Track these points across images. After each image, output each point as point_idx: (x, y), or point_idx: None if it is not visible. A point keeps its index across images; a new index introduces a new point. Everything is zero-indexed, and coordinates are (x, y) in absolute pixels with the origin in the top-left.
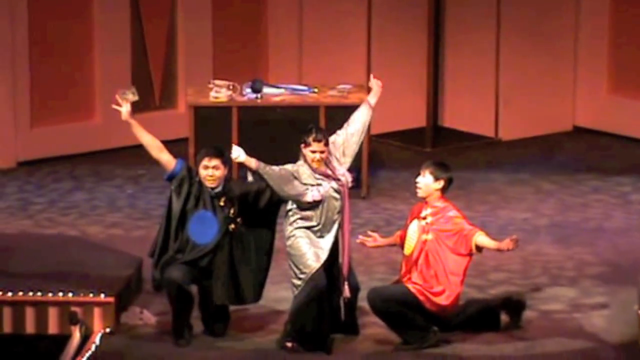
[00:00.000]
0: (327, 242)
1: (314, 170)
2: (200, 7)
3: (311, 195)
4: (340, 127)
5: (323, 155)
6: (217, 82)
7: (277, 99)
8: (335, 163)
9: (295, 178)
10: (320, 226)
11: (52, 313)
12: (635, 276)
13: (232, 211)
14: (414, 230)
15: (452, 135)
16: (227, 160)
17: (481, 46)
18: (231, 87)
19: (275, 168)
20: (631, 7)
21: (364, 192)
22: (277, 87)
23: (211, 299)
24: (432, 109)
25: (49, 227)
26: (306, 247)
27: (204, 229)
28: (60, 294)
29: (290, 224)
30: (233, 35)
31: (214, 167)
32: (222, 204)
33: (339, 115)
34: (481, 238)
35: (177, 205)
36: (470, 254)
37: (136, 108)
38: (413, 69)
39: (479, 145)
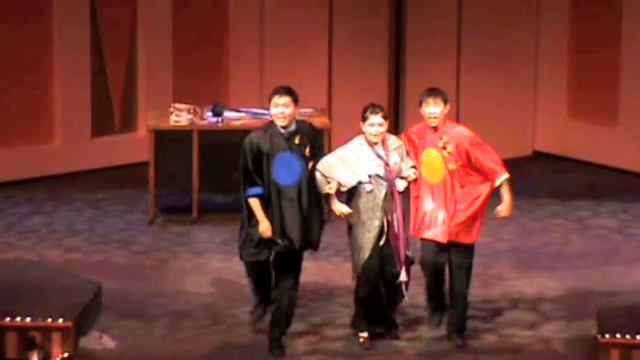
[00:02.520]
0: (375, 227)
1: (372, 147)
2: (161, 31)
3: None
4: None
5: (382, 130)
6: (178, 106)
7: (238, 123)
8: (392, 152)
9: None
10: (369, 212)
11: (11, 338)
12: (594, 301)
13: (307, 150)
14: (437, 158)
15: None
16: (296, 99)
17: (442, 72)
18: (192, 111)
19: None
20: (590, 33)
21: (326, 215)
22: (239, 111)
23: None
24: (395, 133)
25: (7, 252)
26: (360, 235)
27: (289, 170)
28: (19, 318)
29: (353, 203)
30: (194, 59)
31: (284, 105)
32: (297, 142)
33: None
34: (504, 188)
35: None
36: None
37: (96, 132)
38: (374, 94)
39: None
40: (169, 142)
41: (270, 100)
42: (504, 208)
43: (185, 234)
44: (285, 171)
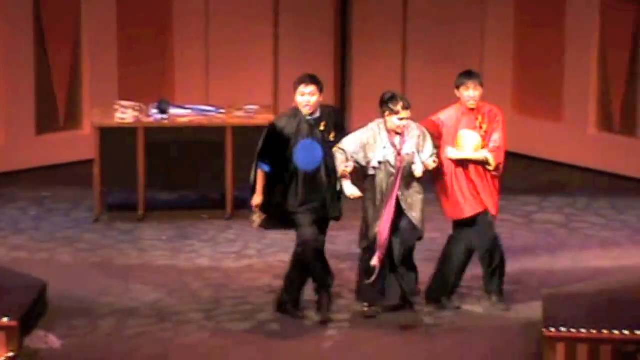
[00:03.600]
0: (376, 212)
1: (391, 135)
2: (105, 28)
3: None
4: (247, 147)
5: (407, 122)
6: (123, 103)
7: (184, 119)
8: (407, 140)
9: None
10: (378, 195)
11: None
12: (539, 295)
13: (332, 135)
14: (475, 139)
15: None
16: (322, 87)
17: (388, 69)
18: (137, 108)
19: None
20: (534, 31)
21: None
22: (184, 108)
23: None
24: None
25: None
26: (370, 216)
27: (309, 156)
28: None
29: (366, 182)
30: (139, 56)
31: (310, 93)
32: (322, 128)
33: (246, 135)
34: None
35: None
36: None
37: (40, 129)
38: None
39: None
40: (114, 139)
41: (295, 89)
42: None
43: (130, 232)
44: (306, 157)
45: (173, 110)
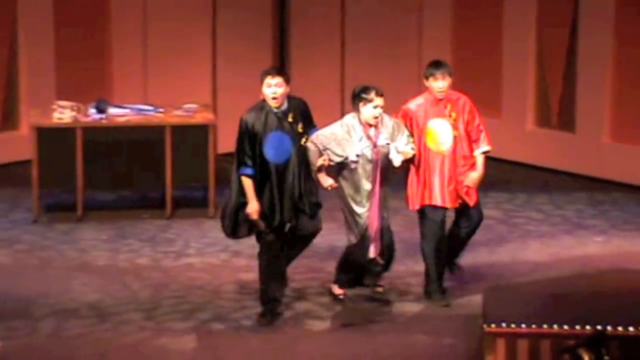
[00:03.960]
0: (364, 199)
1: (365, 127)
2: (42, 28)
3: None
4: (187, 146)
5: (381, 111)
6: (61, 102)
7: (123, 119)
8: (382, 132)
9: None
10: (359, 187)
11: None
12: (479, 291)
13: (300, 126)
14: (445, 128)
15: None
16: (288, 79)
17: (326, 65)
18: (75, 108)
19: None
20: (472, 29)
21: (212, 211)
22: (122, 108)
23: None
24: None
25: None
26: (352, 203)
27: (279, 148)
28: None
29: (342, 177)
30: (77, 56)
31: (276, 85)
32: (290, 120)
33: (185, 134)
34: (480, 158)
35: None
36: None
37: None
38: (259, 89)
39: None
40: (52, 139)
41: (262, 81)
42: (475, 175)
43: (69, 232)
44: (276, 149)
45: (111, 110)
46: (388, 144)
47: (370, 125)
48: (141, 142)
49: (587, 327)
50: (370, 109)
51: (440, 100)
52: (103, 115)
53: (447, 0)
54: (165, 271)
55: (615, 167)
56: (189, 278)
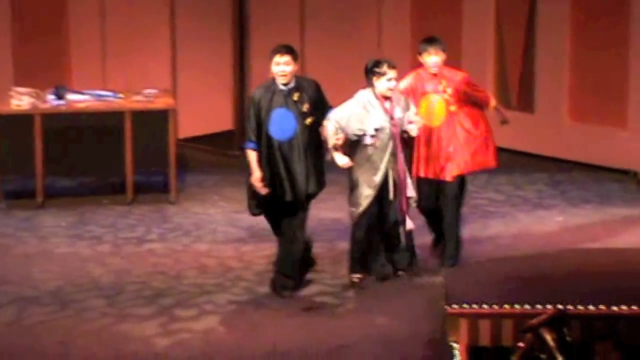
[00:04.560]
0: (378, 177)
1: (381, 101)
2: (0, 14)
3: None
4: (147, 132)
5: (396, 83)
6: (19, 89)
7: (82, 105)
8: (396, 105)
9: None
10: (377, 161)
11: None
12: (440, 272)
13: (305, 106)
14: (438, 103)
15: None
16: (296, 57)
17: None
18: (34, 94)
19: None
20: (431, 13)
21: (173, 196)
22: (82, 94)
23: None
24: (239, 112)
25: None
26: (362, 183)
27: (282, 126)
28: None
29: (357, 155)
30: (34, 42)
31: (284, 63)
32: (295, 99)
33: (145, 119)
34: (497, 107)
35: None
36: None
37: None
38: (219, 73)
39: None
40: (11, 126)
41: (271, 59)
42: (506, 118)
43: (29, 219)
44: (279, 126)
45: (70, 96)
46: (402, 116)
47: (386, 99)
48: (101, 128)
49: (549, 306)
50: (384, 82)
51: (435, 75)
52: (62, 102)
53: None
54: (127, 257)
55: (574, 147)
56: (150, 264)
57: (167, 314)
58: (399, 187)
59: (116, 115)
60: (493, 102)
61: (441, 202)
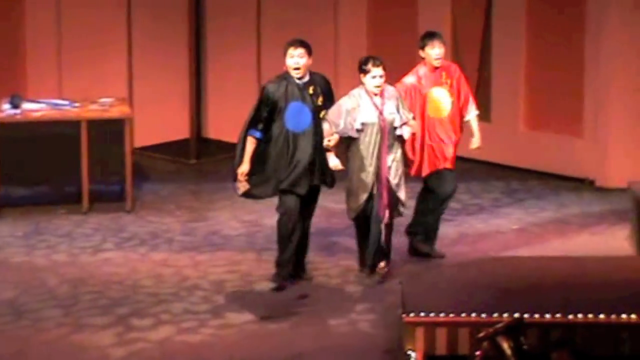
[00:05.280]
0: (370, 173)
1: (371, 96)
2: None
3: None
4: (103, 140)
5: (383, 80)
6: None
7: (38, 114)
8: (387, 102)
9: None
10: (367, 157)
11: None
12: (397, 281)
13: (320, 99)
14: (444, 95)
15: (216, 146)
16: (310, 50)
17: (243, 58)
18: None
19: (337, 118)
20: (384, 34)
21: (129, 205)
22: (37, 102)
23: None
24: (196, 121)
25: None
26: (356, 180)
27: (299, 118)
28: None
29: (350, 150)
30: None
31: (298, 55)
32: (310, 92)
33: (101, 128)
34: (474, 122)
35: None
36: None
37: None
38: (175, 81)
39: None
40: None
41: (285, 52)
42: (476, 140)
43: None
44: (296, 119)
45: (26, 105)
46: (394, 113)
47: (375, 94)
48: (57, 136)
49: (505, 314)
50: (369, 79)
51: (437, 68)
52: (17, 111)
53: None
54: (83, 267)
55: (530, 155)
56: (107, 273)
57: (123, 324)
58: (382, 182)
59: (72, 124)
60: (470, 114)
61: (442, 189)
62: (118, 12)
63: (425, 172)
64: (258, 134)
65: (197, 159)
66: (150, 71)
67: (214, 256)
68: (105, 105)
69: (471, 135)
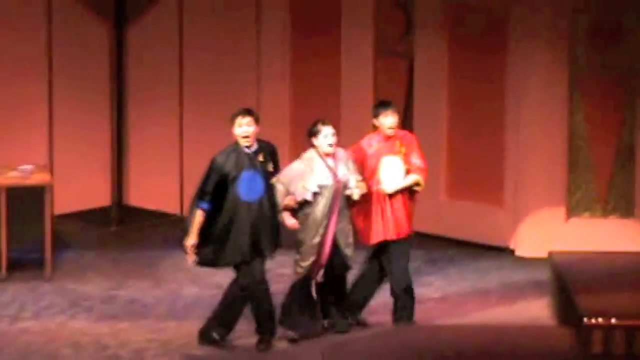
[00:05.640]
0: (320, 234)
1: (324, 159)
2: None
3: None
4: (22, 207)
5: (335, 138)
6: None
7: None
8: (339, 163)
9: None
10: (322, 219)
11: None
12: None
13: (270, 165)
14: (397, 164)
15: (138, 213)
16: (257, 118)
17: (164, 125)
18: None
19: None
20: (306, 108)
21: (48, 273)
22: None
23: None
24: (117, 188)
25: None
26: (307, 246)
27: (251, 187)
28: None
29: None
30: None
31: (247, 124)
32: (261, 159)
33: (21, 195)
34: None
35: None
36: None
37: None
38: (97, 148)
39: (166, 222)
40: None
41: (233, 122)
42: (389, 185)
43: None
44: (248, 188)
45: None
46: (346, 175)
47: (328, 155)
48: None
49: None
50: (322, 139)
51: (390, 137)
52: None
53: (285, 61)
54: (0, 335)
55: (451, 224)
56: (24, 342)
57: None
58: (326, 243)
59: None
60: (413, 178)
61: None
62: (40, 82)
63: (372, 240)
64: (206, 206)
65: (118, 226)
66: (72, 138)
67: (134, 324)
68: (25, 172)
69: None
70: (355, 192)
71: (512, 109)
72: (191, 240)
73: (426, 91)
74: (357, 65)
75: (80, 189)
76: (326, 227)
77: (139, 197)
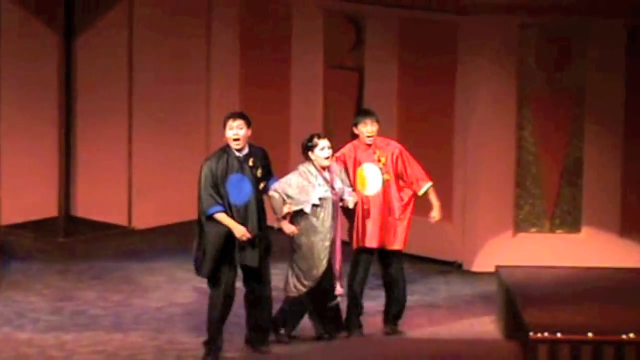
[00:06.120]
0: (326, 247)
1: (321, 172)
2: None
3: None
4: None
5: (331, 151)
6: None
7: None
8: (334, 175)
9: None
10: (323, 232)
11: None
12: None
13: (259, 171)
14: (374, 172)
15: (85, 224)
16: (249, 122)
17: (113, 137)
18: None
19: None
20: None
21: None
22: None
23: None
24: (64, 199)
25: None
26: (310, 256)
27: (240, 190)
28: None
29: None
30: None
31: (237, 127)
32: (250, 164)
33: None
34: (431, 195)
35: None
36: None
37: None
38: (43, 159)
39: (113, 234)
40: None
41: (224, 125)
42: (435, 213)
43: None
44: (236, 191)
45: None
46: (341, 186)
47: (324, 168)
48: None
49: None
50: (319, 152)
51: (369, 146)
52: None
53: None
54: None
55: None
56: None
57: None
58: (335, 256)
59: None
60: (424, 188)
61: (388, 272)
62: None
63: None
64: (220, 208)
65: (65, 237)
66: (19, 150)
67: (80, 336)
68: None
69: (430, 208)
70: (350, 201)
71: (460, 123)
72: (239, 230)
73: (376, 104)
74: (307, 78)
75: (27, 199)
76: (332, 239)
77: (86, 208)
